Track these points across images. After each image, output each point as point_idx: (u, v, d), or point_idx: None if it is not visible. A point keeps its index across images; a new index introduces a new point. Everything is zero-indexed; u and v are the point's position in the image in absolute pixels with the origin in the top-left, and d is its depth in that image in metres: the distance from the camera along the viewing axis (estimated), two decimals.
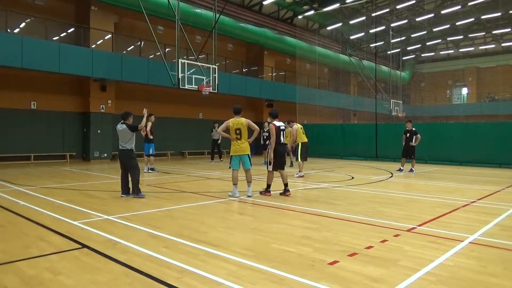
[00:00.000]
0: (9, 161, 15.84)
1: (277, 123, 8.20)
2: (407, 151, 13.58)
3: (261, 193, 8.17)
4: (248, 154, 7.89)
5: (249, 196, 7.80)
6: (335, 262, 3.85)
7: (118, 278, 3.42)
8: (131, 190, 7.80)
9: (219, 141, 17.68)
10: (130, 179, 7.80)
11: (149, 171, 12.73)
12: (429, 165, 16.71)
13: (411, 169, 13.57)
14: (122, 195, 7.77)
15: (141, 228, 5.19)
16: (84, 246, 4.37)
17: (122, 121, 7.83)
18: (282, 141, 8.21)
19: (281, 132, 8.18)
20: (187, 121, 22.29)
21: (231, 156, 7.94)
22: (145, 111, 8.14)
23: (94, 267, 3.69)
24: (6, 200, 7.39)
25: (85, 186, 9.36)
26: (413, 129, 13.54)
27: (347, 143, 20.71)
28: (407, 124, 13.79)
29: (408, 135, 13.49)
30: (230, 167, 8.09)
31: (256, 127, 7.96)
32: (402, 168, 13.82)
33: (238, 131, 7.74)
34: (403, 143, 13.66)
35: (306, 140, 11.87)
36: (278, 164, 8.16)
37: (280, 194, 8.18)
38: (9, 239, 4.71)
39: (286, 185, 8.20)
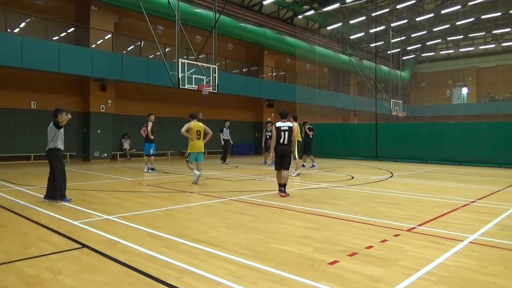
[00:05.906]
0: (9, 161, 15.85)
1: (279, 123, 8.15)
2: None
3: (280, 194, 8.00)
4: (202, 152, 10.00)
5: (197, 174, 9.51)
6: (335, 262, 3.85)
7: (118, 278, 3.42)
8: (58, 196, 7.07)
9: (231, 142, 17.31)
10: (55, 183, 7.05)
11: (149, 171, 12.71)
12: (429, 165, 16.71)
13: (301, 165, 14.44)
14: (44, 200, 7.09)
15: (141, 228, 5.19)
16: (84, 246, 4.37)
17: (54, 119, 7.17)
18: (282, 142, 8.08)
19: (282, 133, 8.07)
20: (187, 121, 22.22)
21: (190, 152, 9.84)
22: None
23: (94, 267, 3.69)
24: (6, 200, 7.40)
25: (85, 186, 9.36)
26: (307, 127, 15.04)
27: (347, 143, 20.69)
28: (304, 124, 15.19)
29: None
30: (187, 161, 9.95)
31: (210, 131, 9.96)
32: (314, 164, 14.79)
33: (198, 133, 9.80)
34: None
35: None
36: (279, 163, 8.15)
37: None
38: (9, 239, 4.71)
39: (283, 185, 8.13)
